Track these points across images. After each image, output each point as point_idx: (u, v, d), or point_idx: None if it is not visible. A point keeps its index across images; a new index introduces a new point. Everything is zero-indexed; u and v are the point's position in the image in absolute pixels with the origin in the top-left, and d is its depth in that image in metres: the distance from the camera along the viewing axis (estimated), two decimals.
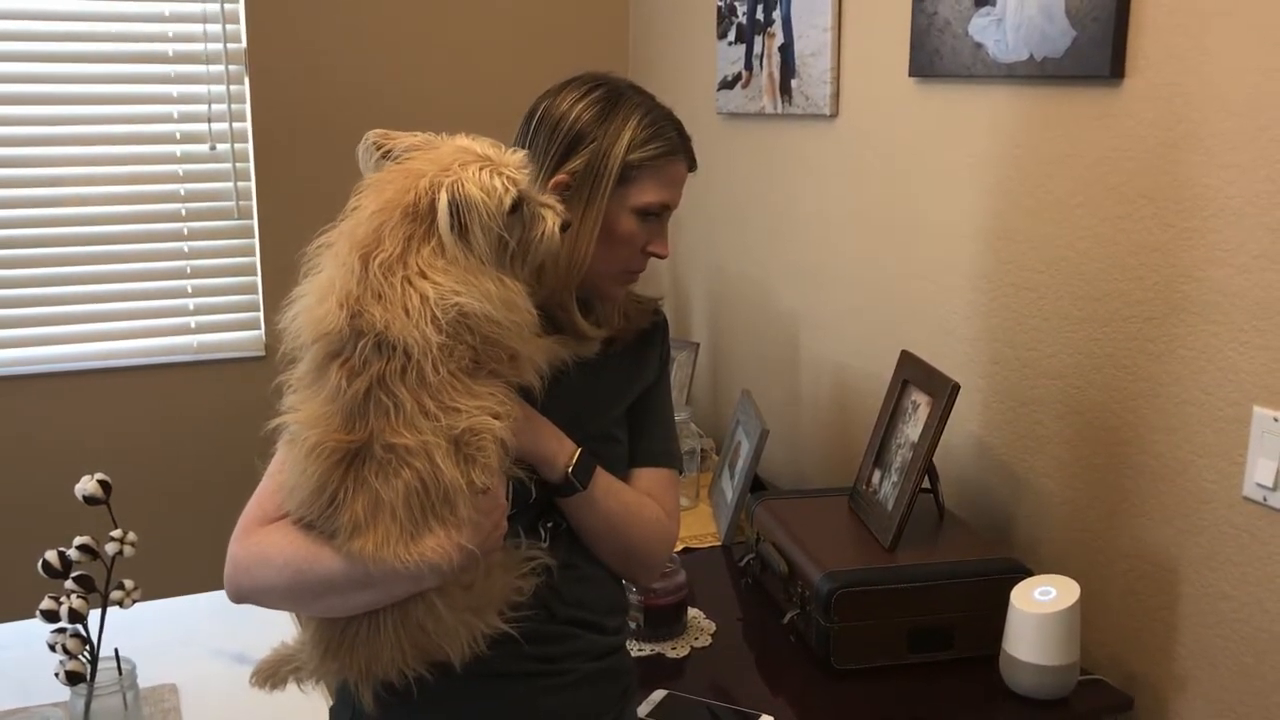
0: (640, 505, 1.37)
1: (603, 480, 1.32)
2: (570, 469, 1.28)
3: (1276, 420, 1.38)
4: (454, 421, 1.10)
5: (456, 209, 1.11)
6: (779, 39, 2.36)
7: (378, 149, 1.18)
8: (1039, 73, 1.67)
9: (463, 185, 1.12)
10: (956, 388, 1.69)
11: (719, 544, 2.16)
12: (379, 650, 1.18)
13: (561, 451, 1.28)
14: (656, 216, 1.33)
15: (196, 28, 2.74)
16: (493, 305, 1.12)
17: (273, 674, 1.30)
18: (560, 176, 1.28)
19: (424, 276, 1.10)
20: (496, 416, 1.13)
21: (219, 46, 2.75)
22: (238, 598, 1.22)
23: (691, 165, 1.36)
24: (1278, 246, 1.37)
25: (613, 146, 1.28)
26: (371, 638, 1.18)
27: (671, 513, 1.42)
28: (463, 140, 1.18)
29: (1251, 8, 1.37)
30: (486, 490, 1.14)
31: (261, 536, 1.20)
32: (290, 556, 1.16)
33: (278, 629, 1.61)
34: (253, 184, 2.81)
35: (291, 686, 1.31)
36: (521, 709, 1.29)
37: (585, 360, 1.32)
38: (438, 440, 1.10)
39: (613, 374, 1.38)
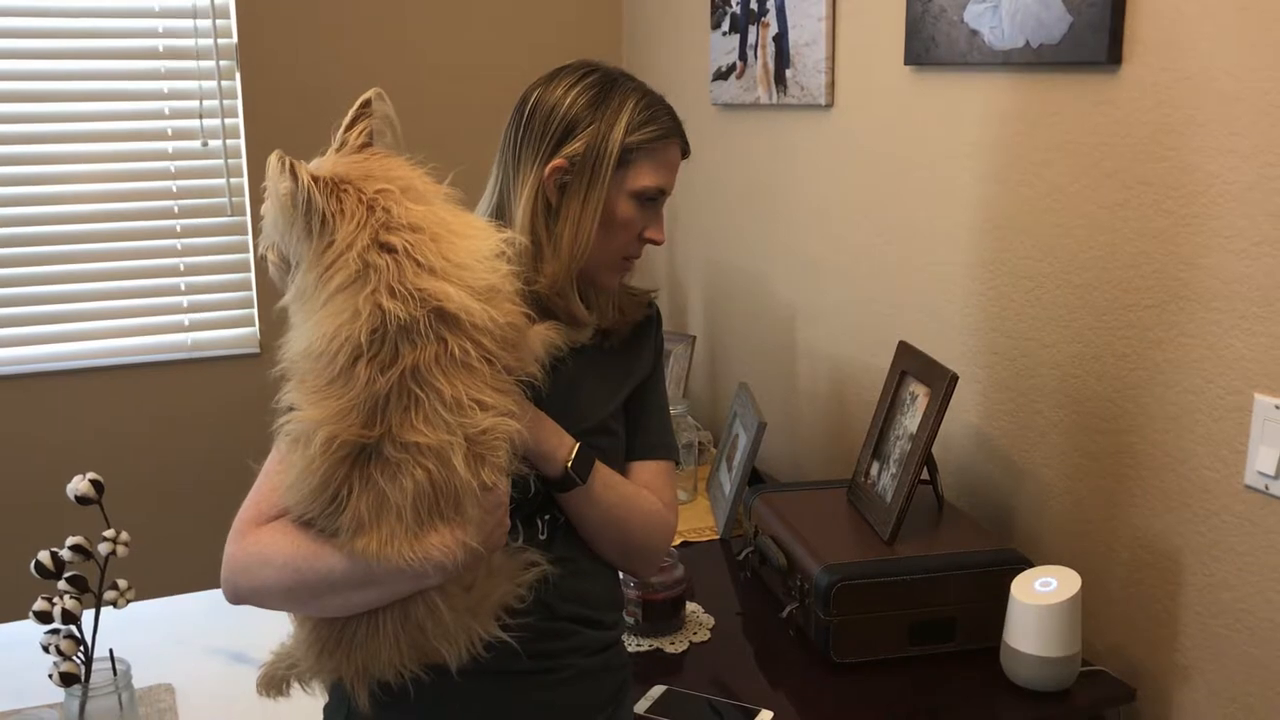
0: (639, 498, 1.37)
1: (601, 474, 1.31)
2: (570, 464, 1.27)
3: (1278, 408, 1.37)
4: (478, 419, 1.09)
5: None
6: (773, 29, 2.34)
7: (304, 177, 1.12)
8: (1035, 60, 1.66)
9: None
10: (955, 378, 1.68)
11: (717, 538, 2.15)
12: (377, 650, 1.16)
13: (561, 446, 1.27)
14: (653, 201, 1.33)
15: (187, 23, 2.73)
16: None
17: (273, 676, 1.28)
18: (557, 161, 1.28)
19: (463, 233, 1.12)
20: (512, 415, 1.12)
21: (209, 42, 2.74)
22: (235, 599, 1.21)
23: (685, 150, 1.37)
24: (1278, 232, 1.36)
25: (611, 129, 1.28)
26: (370, 637, 1.16)
27: (670, 504, 1.42)
28: None
29: None
30: (493, 488, 1.13)
31: (260, 536, 1.18)
32: (290, 556, 1.14)
33: (274, 627, 1.60)
34: (245, 180, 2.80)
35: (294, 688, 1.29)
36: (519, 706, 1.28)
37: (581, 354, 1.32)
38: (457, 440, 1.08)
39: (608, 367, 1.38)
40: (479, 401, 1.09)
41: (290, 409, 1.11)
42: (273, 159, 1.09)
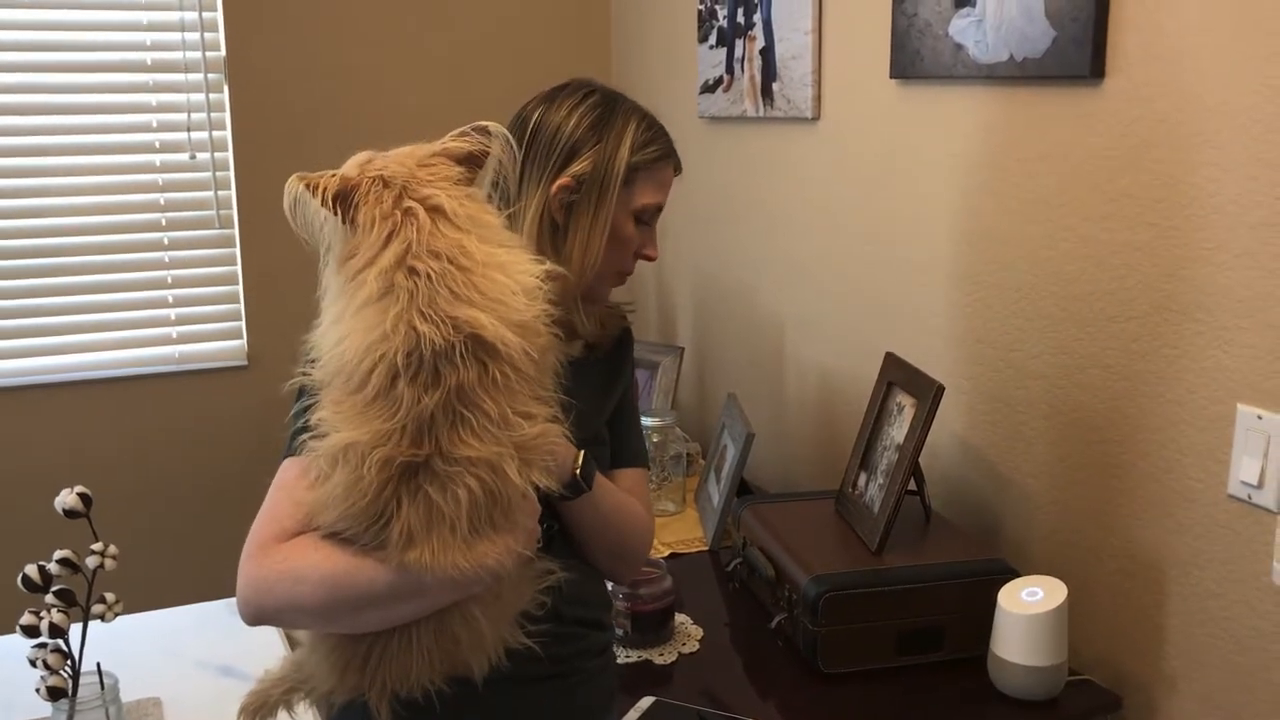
0: (629, 503, 1.41)
1: (600, 481, 1.34)
2: (578, 471, 1.29)
3: (1260, 418, 1.38)
4: (526, 429, 1.10)
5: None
6: (760, 42, 2.35)
7: (320, 190, 1.11)
8: (1019, 73, 1.67)
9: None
10: (941, 389, 1.69)
11: (705, 549, 2.15)
12: (408, 665, 1.15)
13: (568, 454, 1.29)
14: (649, 220, 1.38)
15: (175, 36, 2.73)
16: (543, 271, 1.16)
17: (261, 706, 1.26)
18: (564, 180, 1.31)
19: (496, 265, 1.11)
20: (556, 420, 1.14)
21: (198, 55, 2.74)
22: (257, 619, 1.16)
23: (678, 168, 1.41)
24: (1259, 244, 1.37)
25: (618, 150, 1.32)
26: (402, 652, 1.15)
27: (649, 509, 1.47)
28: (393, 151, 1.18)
29: (1231, 7, 1.38)
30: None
31: (288, 554, 1.14)
32: (327, 572, 1.11)
33: (261, 641, 1.60)
34: (233, 193, 2.80)
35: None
36: (537, 712, 1.30)
37: (572, 367, 1.33)
38: (509, 451, 1.09)
39: (597, 379, 1.42)
40: (525, 414, 1.10)
41: (319, 424, 1.10)
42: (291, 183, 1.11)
